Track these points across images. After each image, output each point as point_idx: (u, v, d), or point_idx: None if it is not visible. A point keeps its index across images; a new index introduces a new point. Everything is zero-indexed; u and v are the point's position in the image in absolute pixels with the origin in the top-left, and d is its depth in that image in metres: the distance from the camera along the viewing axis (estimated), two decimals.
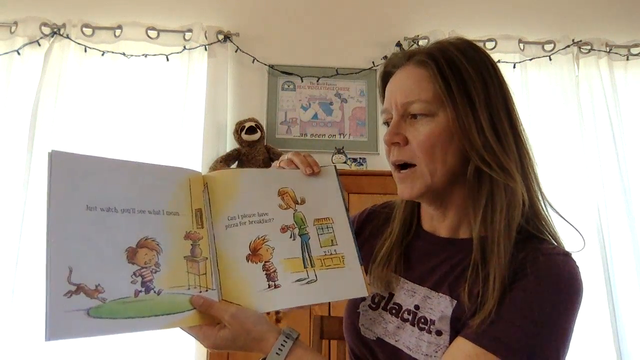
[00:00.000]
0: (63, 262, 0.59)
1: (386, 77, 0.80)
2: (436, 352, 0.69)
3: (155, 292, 0.63)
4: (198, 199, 0.73)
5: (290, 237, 0.75)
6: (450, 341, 0.69)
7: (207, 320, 0.66)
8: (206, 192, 0.75)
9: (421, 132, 0.71)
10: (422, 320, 0.73)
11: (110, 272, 0.61)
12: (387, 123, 0.78)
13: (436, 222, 0.80)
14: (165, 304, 0.63)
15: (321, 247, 0.75)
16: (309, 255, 0.74)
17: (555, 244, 0.73)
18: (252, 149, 2.23)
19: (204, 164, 2.21)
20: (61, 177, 0.63)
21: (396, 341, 0.75)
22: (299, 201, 0.77)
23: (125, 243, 0.64)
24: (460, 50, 0.72)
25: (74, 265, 0.59)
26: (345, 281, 0.73)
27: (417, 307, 0.75)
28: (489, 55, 0.75)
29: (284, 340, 0.66)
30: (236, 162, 2.26)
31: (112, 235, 0.64)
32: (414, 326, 0.74)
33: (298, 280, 0.71)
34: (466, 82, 0.70)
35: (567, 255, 0.70)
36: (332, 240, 0.76)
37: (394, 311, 0.78)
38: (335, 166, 0.82)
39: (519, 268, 0.67)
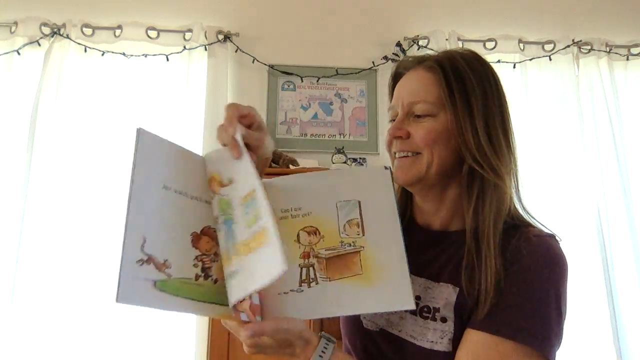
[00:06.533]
0: (139, 230, 0.61)
1: (397, 77, 0.86)
2: (441, 338, 0.72)
3: (212, 279, 0.65)
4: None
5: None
6: (455, 327, 0.71)
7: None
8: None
9: (423, 128, 0.77)
10: (425, 309, 0.75)
11: (176, 251, 0.63)
12: (393, 120, 0.82)
13: (429, 216, 0.84)
14: (219, 293, 0.65)
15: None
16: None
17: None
18: None
19: None
20: (145, 154, 0.65)
21: (399, 331, 0.77)
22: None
23: (192, 227, 0.66)
24: (467, 61, 0.79)
25: (148, 236, 0.61)
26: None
27: (418, 297, 0.77)
28: (494, 71, 0.81)
29: (326, 344, 0.68)
30: None
31: (182, 217, 0.66)
32: (416, 316, 0.76)
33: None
34: (467, 90, 0.76)
35: (553, 236, 0.76)
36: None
37: None
38: (389, 169, 0.76)
39: (514, 251, 0.71)
